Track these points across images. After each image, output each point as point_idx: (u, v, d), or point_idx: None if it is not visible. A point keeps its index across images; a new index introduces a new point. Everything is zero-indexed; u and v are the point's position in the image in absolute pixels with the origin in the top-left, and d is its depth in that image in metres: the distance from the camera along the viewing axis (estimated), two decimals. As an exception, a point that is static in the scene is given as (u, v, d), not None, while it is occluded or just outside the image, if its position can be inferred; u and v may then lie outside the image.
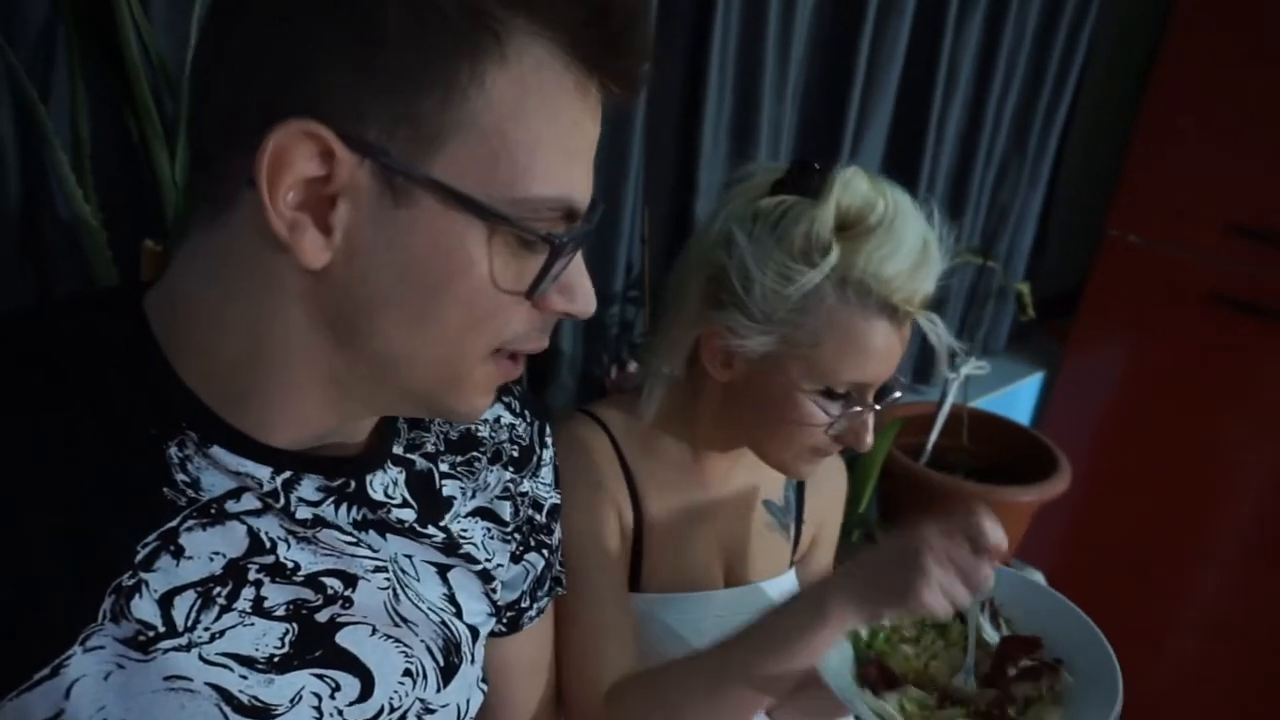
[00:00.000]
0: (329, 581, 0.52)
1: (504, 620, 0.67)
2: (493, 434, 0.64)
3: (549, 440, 0.69)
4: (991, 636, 0.82)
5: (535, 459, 0.67)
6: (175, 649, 0.47)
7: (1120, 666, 0.77)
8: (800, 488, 1.00)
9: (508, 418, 0.66)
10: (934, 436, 1.48)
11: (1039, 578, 1.57)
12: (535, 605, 0.70)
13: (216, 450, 0.48)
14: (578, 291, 0.50)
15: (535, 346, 0.51)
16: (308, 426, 0.50)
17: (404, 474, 0.57)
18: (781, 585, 0.95)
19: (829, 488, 1.02)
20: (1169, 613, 1.97)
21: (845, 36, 1.33)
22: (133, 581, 0.46)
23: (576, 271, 0.50)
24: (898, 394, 0.85)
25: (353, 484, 0.53)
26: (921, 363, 1.80)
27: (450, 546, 0.58)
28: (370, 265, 0.44)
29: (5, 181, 0.73)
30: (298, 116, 0.41)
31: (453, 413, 0.53)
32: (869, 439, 0.81)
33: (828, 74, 1.36)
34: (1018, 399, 2.01)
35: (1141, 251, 1.86)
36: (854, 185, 0.76)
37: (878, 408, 0.81)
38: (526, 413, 0.68)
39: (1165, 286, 1.84)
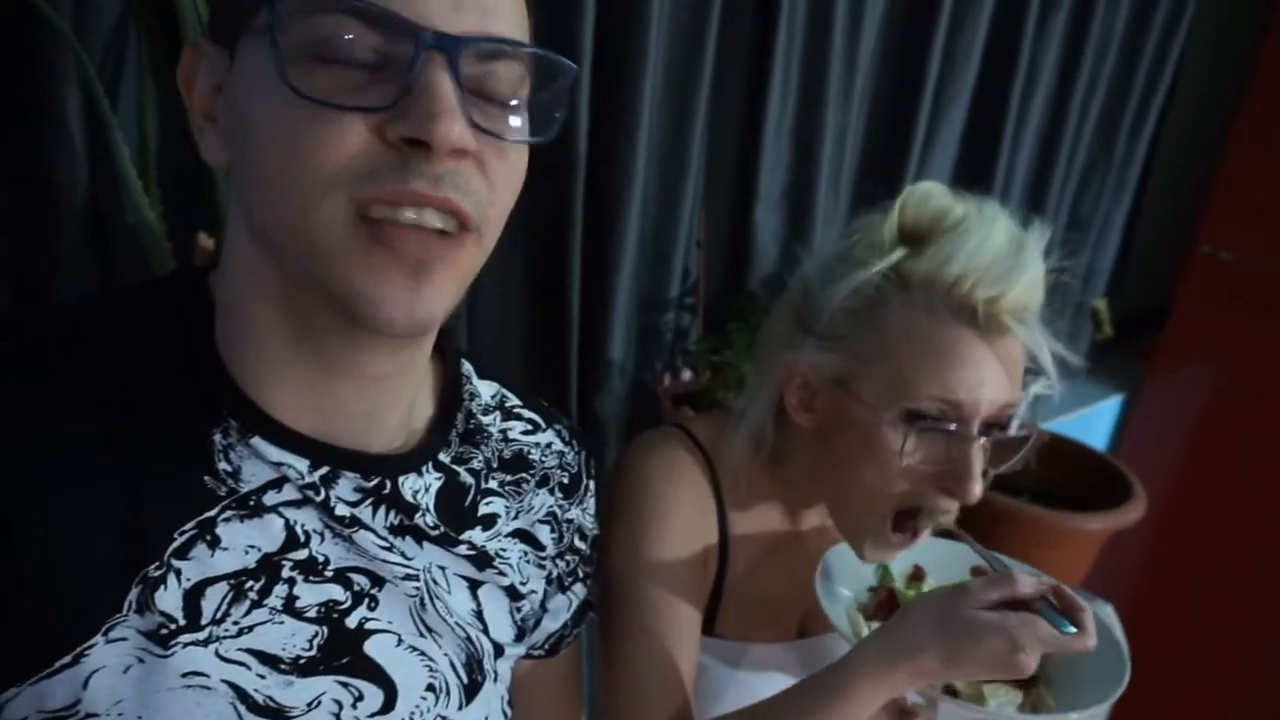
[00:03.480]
0: (356, 578, 0.52)
1: (544, 646, 0.67)
2: (543, 458, 0.64)
3: (593, 471, 0.70)
4: None
5: (583, 488, 0.67)
6: (194, 644, 0.46)
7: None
8: None
9: (558, 445, 0.66)
10: (999, 456, 1.42)
11: (1109, 610, 1.49)
12: (574, 632, 0.69)
13: (257, 440, 0.48)
14: None
15: None
16: (307, 406, 0.50)
17: (441, 480, 0.57)
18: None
19: None
20: (1248, 650, 1.86)
21: (917, 36, 1.29)
22: (159, 572, 0.46)
23: None
24: (1018, 428, 0.71)
25: (388, 485, 0.53)
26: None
27: (480, 560, 0.58)
28: None
29: (73, 173, 0.75)
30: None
31: None
32: (975, 487, 0.67)
33: (897, 75, 1.32)
34: (1094, 422, 1.92)
35: (1233, 269, 1.77)
36: (927, 197, 0.71)
37: (982, 439, 0.67)
38: (575, 442, 0.68)
39: (1257, 306, 1.75)
